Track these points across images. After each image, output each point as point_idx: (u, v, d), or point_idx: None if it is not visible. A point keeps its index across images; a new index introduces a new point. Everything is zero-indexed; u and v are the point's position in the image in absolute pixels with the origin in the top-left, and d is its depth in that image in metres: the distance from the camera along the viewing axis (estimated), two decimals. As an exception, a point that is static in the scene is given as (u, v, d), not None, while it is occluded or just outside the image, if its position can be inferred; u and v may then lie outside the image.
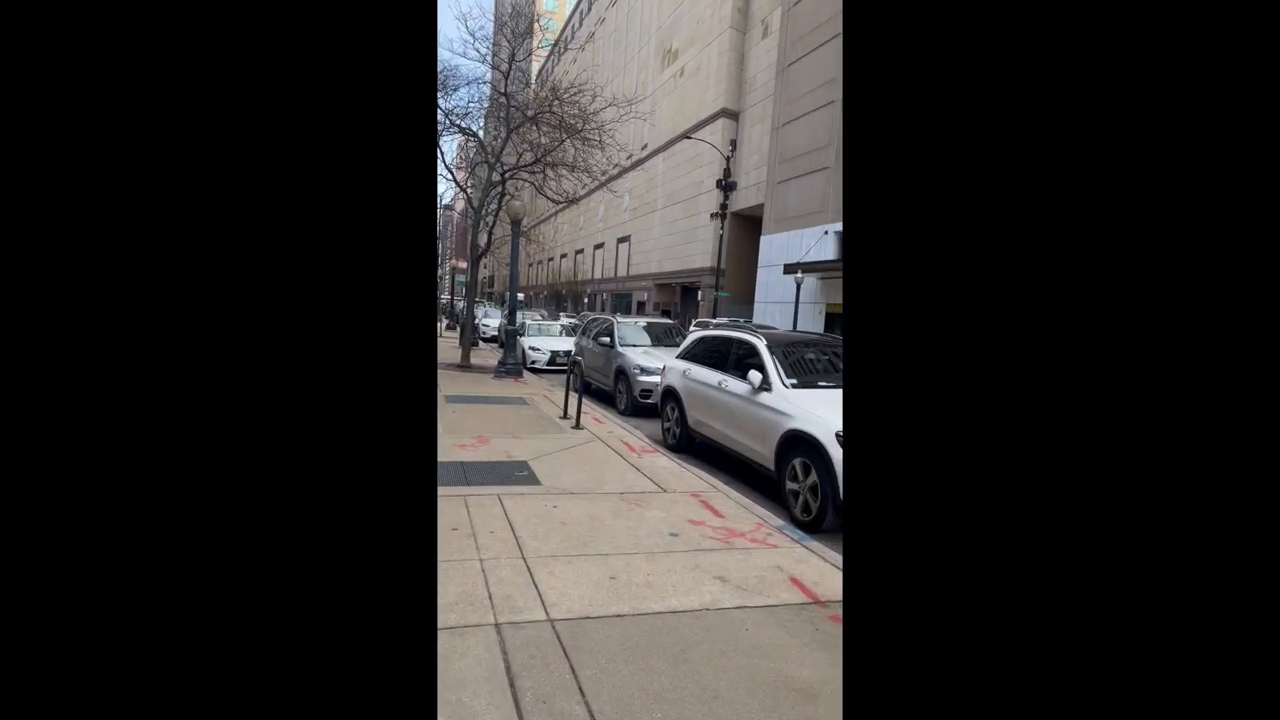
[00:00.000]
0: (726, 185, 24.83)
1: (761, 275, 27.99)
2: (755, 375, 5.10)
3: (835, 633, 2.71)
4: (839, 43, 23.43)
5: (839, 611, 2.92)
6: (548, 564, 3.21)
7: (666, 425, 6.70)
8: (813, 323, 23.89)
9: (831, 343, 6.01)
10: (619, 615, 2.72)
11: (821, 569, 3.42)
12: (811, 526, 4.27)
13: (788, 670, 2.38)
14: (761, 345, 5.38)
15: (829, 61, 24.11)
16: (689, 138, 30.75)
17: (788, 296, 25.43)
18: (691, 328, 15.51)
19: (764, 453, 4.90)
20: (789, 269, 23.01)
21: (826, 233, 23.79)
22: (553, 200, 14.17)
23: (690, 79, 37.41)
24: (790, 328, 20.43)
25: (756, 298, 28.31)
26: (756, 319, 27.21)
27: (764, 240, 27.90)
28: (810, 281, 23.19)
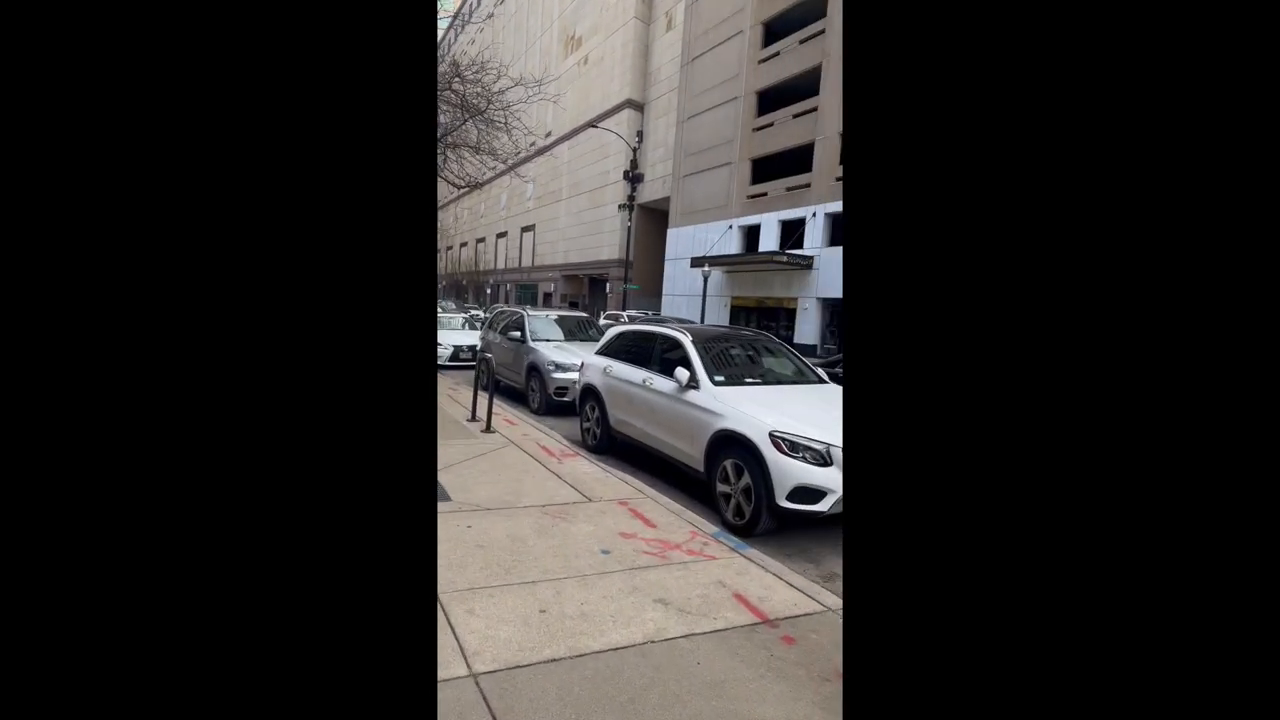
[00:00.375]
0: (634, 177, 24.66)
1: (669, 268, 28.18)
2: (682, 373, 4.85)
3: (791, 657, 2.50)
4: (740, 40, 23.87)
5: (789, 630, 2.72)
6: (465, 599, 2.78)
7: (586, 425, 6.34)
8: (719, 315, 24.33)
9: (754, 338, 5.91)
10: (554, 660, 2.35)
11: (764, 581, 3.23)
12: (745, 530, 4.10)
13: (750, 712, 2.12)
14: (687, 341, 5.15)
15: (731, 59, 24.51)
16: (595, 127, 30.25)
17: (694, 289, 25.77)
18: (603, 321, 15.19)
19: (693, 454, 4.68)
20: (696, 262, 23.28)
21: (731, 227, 24.29)
22: (453, 184, 13.31)
23: (595, 68, 36.89)
24: (698, 320, 20.62)
25: (664, 290, 28.48)
26: (664, 311, 27.39)
27: (671, 233, 28.08)
28: (716, 275, 23.57)
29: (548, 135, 36.75)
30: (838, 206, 19.72)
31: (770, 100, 23.15)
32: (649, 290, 31.33)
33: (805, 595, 3.09)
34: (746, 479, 4.12)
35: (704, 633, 2.64)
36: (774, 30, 23.09)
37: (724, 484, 4.34)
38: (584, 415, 6.39)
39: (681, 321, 11.43)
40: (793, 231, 21.57)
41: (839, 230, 20.09)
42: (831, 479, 3.85)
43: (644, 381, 5.37)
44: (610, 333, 6.57)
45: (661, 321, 8.74)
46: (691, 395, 4.75)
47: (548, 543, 3.51)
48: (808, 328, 20.70)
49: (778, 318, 22.54)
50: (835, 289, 19.74)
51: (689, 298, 26.25)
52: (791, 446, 3.92)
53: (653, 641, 2.54)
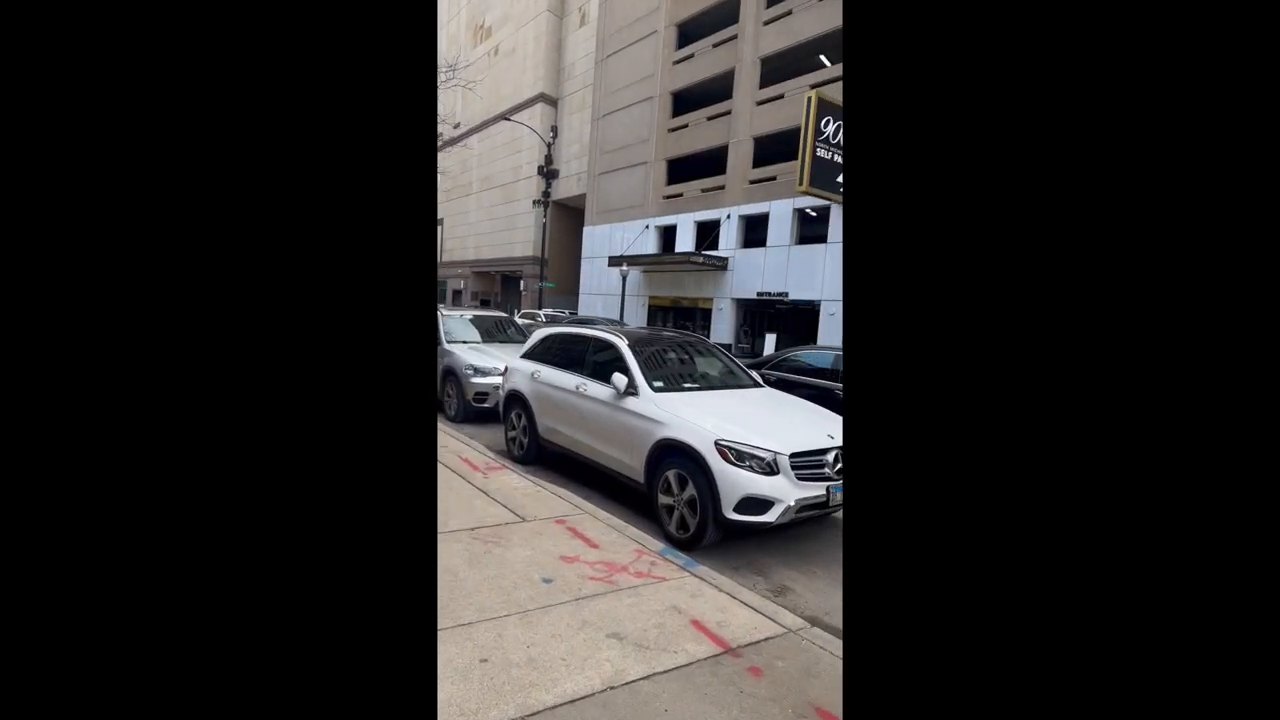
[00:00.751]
0: (549, 173, 24.11)
1: (585, 266, 27.84)
2: (619, 378, 4.60)
3: (762, 692, 2.32)
4: (655, 40, 23.91)
5: (754, 659, 2.55)
6: (390, 652, 2.39)
7: (512, 435, 5.93)
8: (637, 315, 24.28)
9: (687, 341, 5.76)
10: (503, 722, 2.04)
11: (718, 602, 3.05)
12: (689, 544, 3.92)
13: (731, 765, 1.91)
14: (623, 345, 4.90)
15: (646, 58, 24.51)
16: (508, 119, 29.30)
17: (612, 288, 25.60)
18: (518, 319, 14.63)
19: (632, 464, 4.45)
20: (613, 261, 23.09)
21: (648, 227, 24.31)
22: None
23: (506, 59, 35.81)
24: (619, 319, 20.43)
25: (581, 289, 28.10)
26: (581, 310, 27.03)
27: (587, 231, 27.74)
28: (634, 274, 23.50)
29: (457, 126, 35.26)
30: (751, 209, 20.18)
31: (685, 102, 23.35)
32: (565, 289, 30.81)
33: (763, 616, 2.94)
34: (691, 490, 3.94)
35: (666, 671, 2.41)
36: (687, 33, 23.31)
37: (666, 495, 4.14)
38: (509, 424, 5.99)
39: (613, 323, 11.14)
40: (708, 233, 21.88)
41: (752, 232, 20.58)
42: (778, 488, 3.74)
43: (577, 388, 5.07)
44: (537, 335, 6.19)
45: (590, 323, 8.40)
46: (630, 402, 4.51)
47: (482, 573, 3.15)
48: (723, 327, 21.06)
49: (694, 317, 22.80)
50: (748, 290, 20.20)
51: (606, 296, 26.02)
52: (738, 456, 3.78)
53: (612, 688, 2.28)
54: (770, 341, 18.41)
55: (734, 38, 20.85)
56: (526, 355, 5.99)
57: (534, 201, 26.18)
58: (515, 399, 5.88)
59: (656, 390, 4.51)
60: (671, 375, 4.93)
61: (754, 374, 5.61)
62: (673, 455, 4.11)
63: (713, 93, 22.09)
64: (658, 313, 24.39)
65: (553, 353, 5.71)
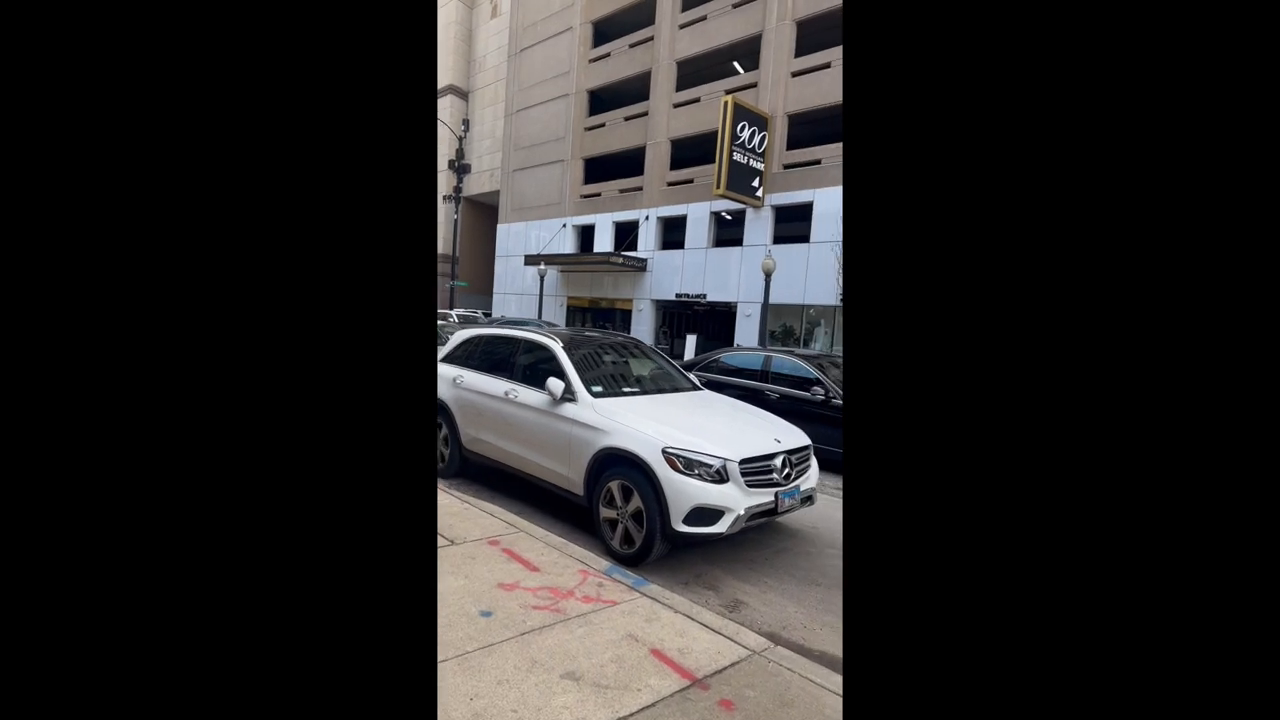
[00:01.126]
0: (460, 167, 23.11)
1: (499, 265, 26.98)
2: (555, 384, 4.28)
3: (739, 729, 2.11)
4: (571, 37, 23.53)
5: (723, 690, 2.35)
6: None
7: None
8: (555, 315, 23.77)
9: (623, 343, 5.52)
10: (450, 802, 1.70)
11: (676, 625, 2.83)
12: (636, 560, 3.68)
13: (721, 826, 1.69)
14: (558, 347, 4.58)
15: (562, 54, 24.08)
16: (414, 110, 27.81)
17: (528, 288, 24.93)
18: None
19: (570, 475, 4.15)
20: (530, 260, 22.49)
21: (565, 226, 23.88)
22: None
23: (412, 46, 34.07)
24: (537, 320, 19.91)
25: (495, 289, 27.20)
26: (496, 311, 26.15)
27: (501, 229, 26.90)
28: (552, 274, 22.99)
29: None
30: (669, 210, 20.26)
31: (602, 101, 23.12)
32: (478, 288, 29.71)
33: (724, 637, 2.75)
34: (636, 502, 3.70)
35: (633, 714, 2.15)
36: (604, 31, 23.10)
37: (609, 509, 3.88)
38: None
39: (542, 325, 10.65)
40: (627, 233, 21.77)
41: (670, 234, 20.68)
42: (728, 497, 3.58)
43: (506, 394, 4.70)
44: (458, 337, 5.70)
45: (519, 324, 7.95)
46: (567, 409, 4.21)
47: (409, 611, 2.76)
48: (643, 328, 21.02)
49: (613, 318, 22.62)
50: (667, 291, 20.28)
51: (521, 296, 25.30)
52: (687, 464, 3.58)
53: (575, 740, 1.99)
54: (691, 342, 18.53)
55: (651, 39, 20.86)
56: (447, 359, 5.52)
57: (444, 197, 25.02)
58: (436, 407, 5.40)
59: (596, 396, 4.24)
60: (608, 379, 4.67)
61: (691, 376, 5.46)
62: (616, 465, 3.85)
63: (629, 93, 22.01)
64: (576, 313, 24.00)
65: (475, 356, 5.29)
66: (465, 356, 5.39)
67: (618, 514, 3.82)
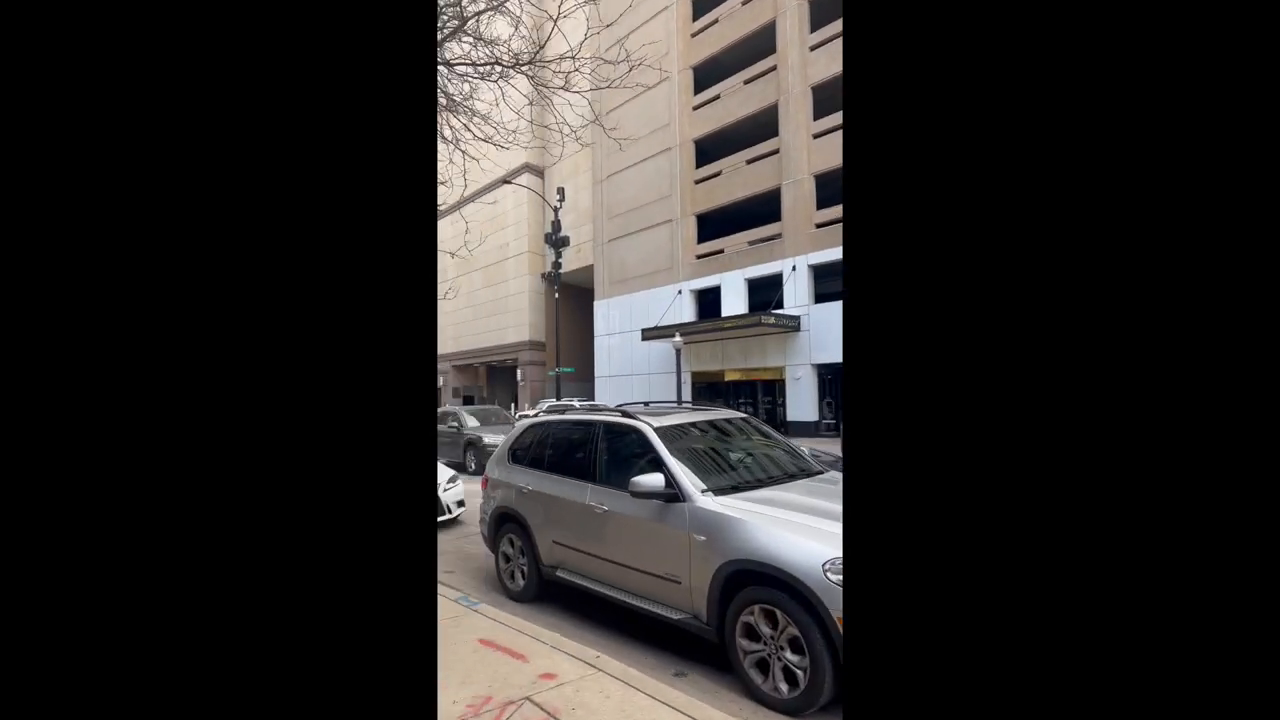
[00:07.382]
0: (557, 240, 20.47)
1: (599, 345, 23.84)
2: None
3: None
4: (669, 86, 21.23)
5: None
6: None
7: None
8: (684, 394, 20.16)
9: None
10: None
11: None
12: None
13: None
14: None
15: (659, 107, 21.79)
16: (508, 183, 25.77)
17: (639, 368, 21.57)
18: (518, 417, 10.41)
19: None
20: (649, 334, 19.19)
21: (680, 292, 20.70)
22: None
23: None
24: (676, 401, 16.26)
25: (596, 372, 23.95)
26: (598, 398, 22.76)
27: (599, 306, 23.98)
28: (664, 348, 19.58)
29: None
30: (821, 257, 16.85)
31: (711, 149, 20.47)
32: (576, 374, 26.59)
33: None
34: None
35: None
36: (704, 76, 20.80)
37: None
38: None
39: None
40: (764, 290, 18.37)
41: (825, 282, 17.17)
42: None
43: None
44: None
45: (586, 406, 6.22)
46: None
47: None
48: (803, 400, 17.13)
49: (754, 393, 18.87)
50: (830, 353, 16.53)
51: (631, 377, 21.92)
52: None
53: None
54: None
55: (773, 69, 18.26)
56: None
57: (542, 275, 22.32)
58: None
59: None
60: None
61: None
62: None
63: (741, 136, 19.29)
64: (704, 390, 20.37)
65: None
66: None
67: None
